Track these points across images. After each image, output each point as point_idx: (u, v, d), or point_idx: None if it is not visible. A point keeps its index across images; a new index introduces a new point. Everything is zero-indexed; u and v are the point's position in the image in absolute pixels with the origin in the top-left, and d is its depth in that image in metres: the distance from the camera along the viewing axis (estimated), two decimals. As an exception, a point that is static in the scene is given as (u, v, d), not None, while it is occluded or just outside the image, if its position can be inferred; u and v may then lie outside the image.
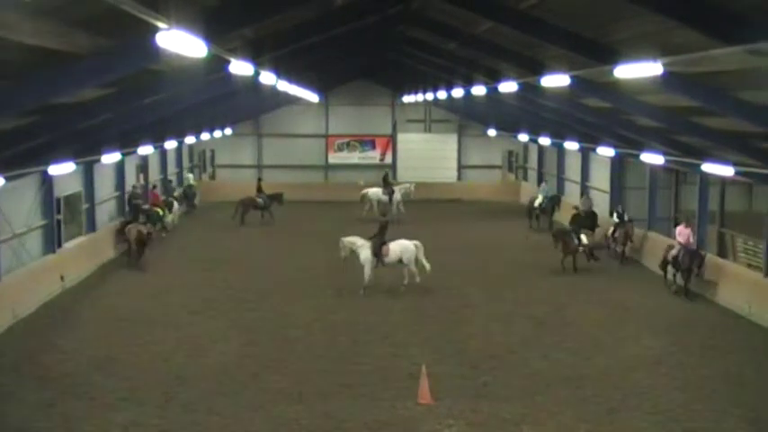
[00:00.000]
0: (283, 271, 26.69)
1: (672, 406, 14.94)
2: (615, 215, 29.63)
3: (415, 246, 23.57)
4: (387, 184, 39.22)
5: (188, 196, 41.94)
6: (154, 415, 14.41)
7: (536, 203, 36.38)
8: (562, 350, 18.37)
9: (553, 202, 36.36)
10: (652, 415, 14.52)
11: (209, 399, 15.17)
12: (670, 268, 24.34)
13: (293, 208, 40.36)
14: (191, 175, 45.07)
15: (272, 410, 14.66)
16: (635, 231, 29.04)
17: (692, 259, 23.26)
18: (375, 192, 38.49)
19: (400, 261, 23.59)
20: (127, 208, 32.53)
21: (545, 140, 37.94)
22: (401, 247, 23.57)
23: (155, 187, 37.36)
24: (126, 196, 32.85)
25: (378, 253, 23.41)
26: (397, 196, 38.21)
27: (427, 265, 23.48)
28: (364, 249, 23.52)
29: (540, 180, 42.62)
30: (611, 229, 29.36)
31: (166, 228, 34.15)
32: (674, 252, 23.88)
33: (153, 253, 28.32)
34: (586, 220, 29.78)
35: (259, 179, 41.42)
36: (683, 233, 23.81)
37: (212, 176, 49.27)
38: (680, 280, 23.82)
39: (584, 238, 27.25)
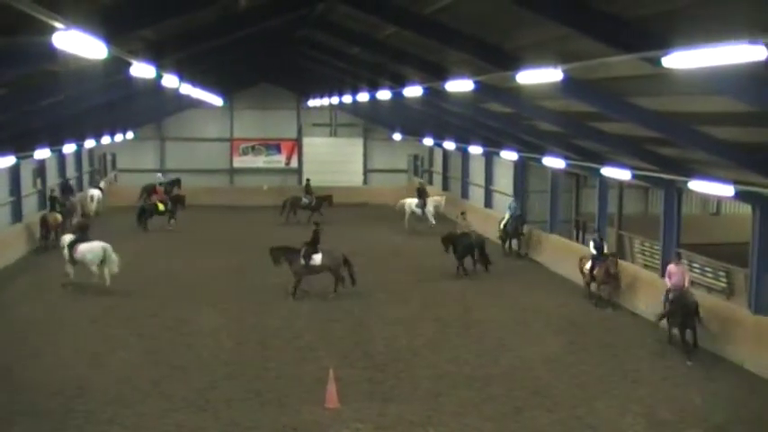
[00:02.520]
0: (187, 277, 26.27)
1: (574, 403, 15.31)
2: (592, 245, 23.77)
3: (103, 248, 24.15)
4: (421, 196, 39.10)
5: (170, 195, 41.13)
6: (53, 428, 13.93)
7: (501, 224, 31.83)
8: (467, 351, 18.60)
9: (517, 222, 31.23)
10: (554, 413, 14.85)
11: (111, 409, 14.76)
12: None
13: (197, 212, 39.79)
14: (159, 175, 44.17)
15: (177, 419, 14.37)
16: (618, 266, 22.67)
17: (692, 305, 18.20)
18: (410, 203, 38.69)
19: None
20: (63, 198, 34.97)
21: (450, 144, 38.45)
22: (87, 248, 24.21)
23: (161, 184, 41.45)
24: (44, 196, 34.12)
25: (70, 251, 24.36)
26: (430, 208, 38.35)
27: (114, 269, 24.18)
28: (64, 249, 24.61)
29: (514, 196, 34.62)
30: (588, 263, 23.53)
31: (174, 218, 37.05)
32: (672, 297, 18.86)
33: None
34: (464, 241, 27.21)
35: (307, 179, 42.06)
36: (674, 273, 19.12)
37: (115, 180, 48.18)
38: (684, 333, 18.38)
39: (317, 258, 23.54)
